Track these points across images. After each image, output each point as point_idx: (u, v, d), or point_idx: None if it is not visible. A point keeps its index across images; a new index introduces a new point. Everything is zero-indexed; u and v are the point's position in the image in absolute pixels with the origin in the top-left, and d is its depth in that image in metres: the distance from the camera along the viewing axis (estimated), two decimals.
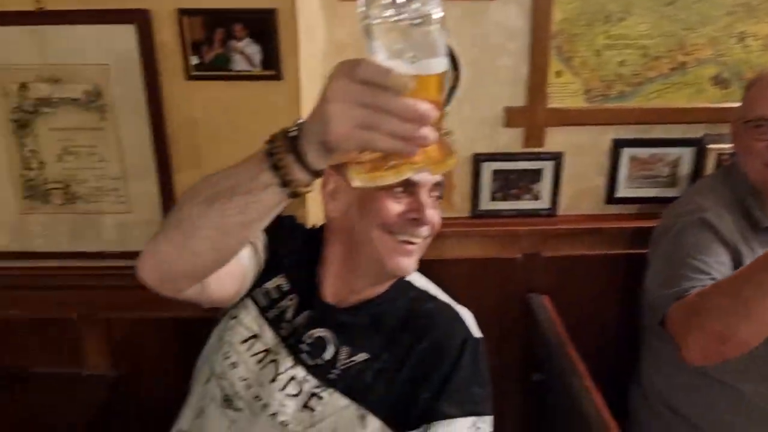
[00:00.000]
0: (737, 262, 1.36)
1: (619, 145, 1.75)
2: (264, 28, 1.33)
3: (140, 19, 1.34)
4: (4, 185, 1.49)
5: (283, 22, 1.33)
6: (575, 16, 1.64)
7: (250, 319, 1.16)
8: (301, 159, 0.72)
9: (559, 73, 1.68)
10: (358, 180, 0.71)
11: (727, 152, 1.72)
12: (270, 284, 1.17)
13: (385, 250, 1.08)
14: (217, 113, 1.41)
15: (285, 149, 0.73)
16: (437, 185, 1.11)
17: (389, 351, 1.12)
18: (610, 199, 1.81)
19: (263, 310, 1.16)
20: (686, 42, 1.67)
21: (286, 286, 1.17)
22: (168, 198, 1.48)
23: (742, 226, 1.41)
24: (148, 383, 1.66)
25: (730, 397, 1.43)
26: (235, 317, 1.17)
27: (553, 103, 1.71)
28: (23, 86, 1.40)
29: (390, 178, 0.70)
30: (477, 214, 1.80)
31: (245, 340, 1.15)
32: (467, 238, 1.78)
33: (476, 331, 1.16)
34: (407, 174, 0.70)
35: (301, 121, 0.73)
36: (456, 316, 1.17)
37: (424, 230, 1.09)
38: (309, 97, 1.45)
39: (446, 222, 1.76)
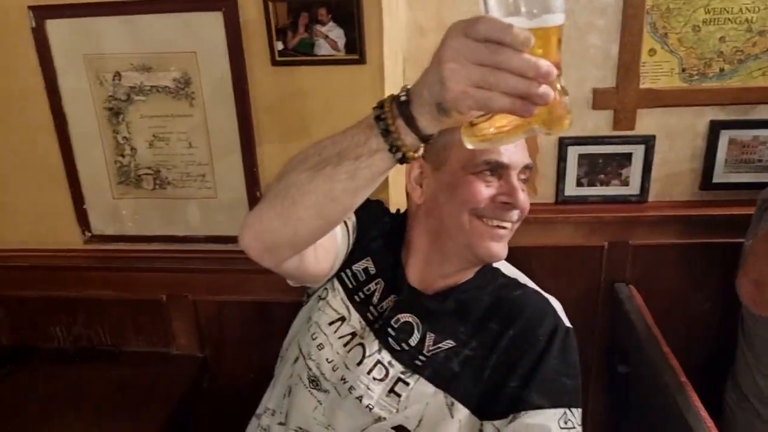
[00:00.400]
0: None
1: (717, 127, 1.64)
2: (348, 12, 1.32)
3: (227, 6, 1.35)
4: (100, 171, 1.55)
5: (367, 5, 1.32)
6: None
7: (337, 301, 1.16)
8: (411, 123, 0.72)
9: (652, 52, 1.59)
10: (471, 142, 0.70)
11: None
12: (357, 267, 1.17)
13: (475, 235, 1.05)
14: (302, 98, 1.41)
15: (395, 114, 0.73)
16: (526, 168, 1.07)
17: (476, 339, 1.10)
18: (706, 184, 1.70)
19: (350, 293, 1.16)
20: None
21: (372, 270, 1.16)
22: (252, 183, 1.50)
23: None
24: (232, 363, 1.71)
25: None
26: (323, 298, 1.18)
27: (646, 83, 1.62)
28: (117, 75, 1.45)
29: (505, 139, 0.70)
30: (561, 201, 1.74)
31: (332, 322, 1.15)
32: (551, 225, 1.72)
33: (566, 321, 1.12)
34: (522, 135, 0.69)
35: (408, 86, 0.72)
36: (546, 304, 1.13)
37: (515, 214, 1.06)
38: (392, 80, 1.44)
39: (529, 208, 1.73)
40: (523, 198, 1.05)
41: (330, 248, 1.11)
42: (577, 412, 1.05)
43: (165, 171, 1.53)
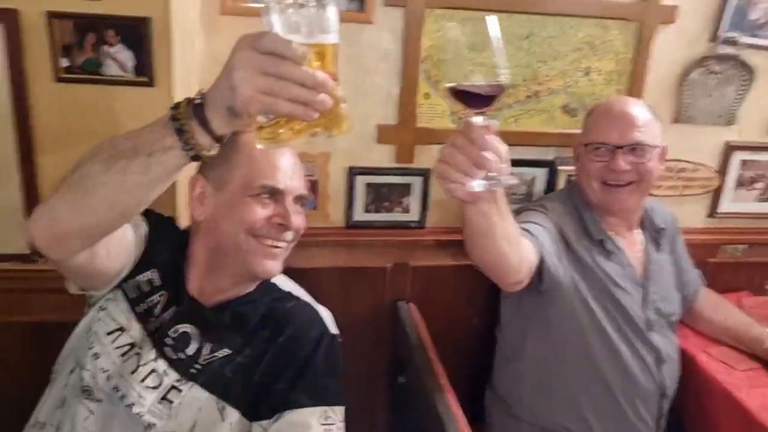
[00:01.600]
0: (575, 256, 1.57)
1: None
2: (137, 36, 1.35)
3: (8, 20, 1.32)
4: None
5: (157, 30, 1.36)
6: (442, 44, 1.77)
7: (118, 311, 1.17)
8: (204, 124, 0.80)
9: (427, 95, 1.81)
10: (261, 143, 0.81)
11: (575, 173, 1.91)
12: (142, 278, 1.19)
13: (250, 254, 1.14)
14: (88, 116, 1.40)
15: (189, 114, 0.81)
16: (300, 197, 1.19)
17: (250, 347, 1.18)
18: None
19: (132, 303, 1.18)
20: (540, 73, 1.86)
21: (157, 281, 1.19)
22: (31, 202, 1.44)
23: (580, 235, 1.59)
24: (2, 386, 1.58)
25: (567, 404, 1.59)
26: (104, 309, 1.18)
27: (422, 122, 1.83)
28: None
29: (290, 140, 0.80)
30: (351, 225, 1.88)
31: (111, 332, 1.16)
32: (340, 248, 1.86)
33: (333, 328, 1.24)
34: (305, 136, 0.80)
35: (204, 90, 0.81)
36: (314, 313, 1.25)
37: (289, 234, 1.16)
38: None
39: (321, 232, 1.84)
40: (296, 219, 1.16)
41: (122, 245, 1.13)
42: (339, 410, 1.16)
43: None
